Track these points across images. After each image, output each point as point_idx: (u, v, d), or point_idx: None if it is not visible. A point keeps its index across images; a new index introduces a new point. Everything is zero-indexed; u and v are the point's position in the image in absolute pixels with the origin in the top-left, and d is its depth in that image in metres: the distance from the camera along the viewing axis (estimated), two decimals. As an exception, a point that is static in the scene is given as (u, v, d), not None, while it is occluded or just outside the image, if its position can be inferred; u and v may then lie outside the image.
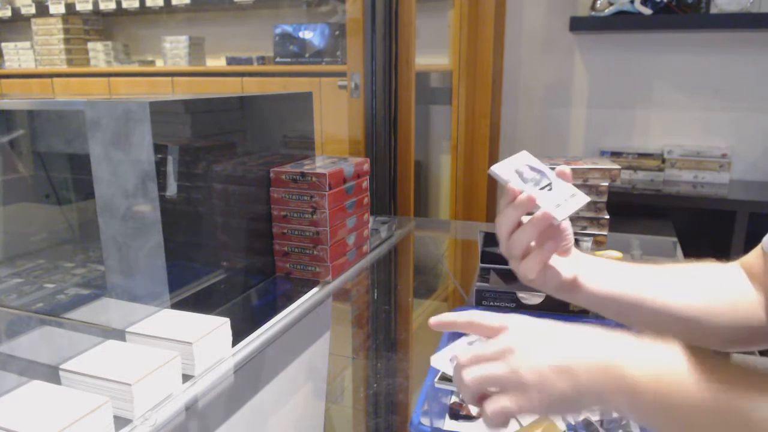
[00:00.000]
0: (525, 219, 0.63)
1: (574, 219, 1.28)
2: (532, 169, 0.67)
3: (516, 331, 0.51)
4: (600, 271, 0.68)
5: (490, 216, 2.31)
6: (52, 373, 0.66)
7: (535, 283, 0.65)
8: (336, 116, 1.77)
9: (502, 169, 0.67)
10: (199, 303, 0.90)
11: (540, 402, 0.46)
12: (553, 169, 0.67)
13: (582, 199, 0.66)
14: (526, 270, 0.63)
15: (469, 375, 0.48)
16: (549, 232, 0.63)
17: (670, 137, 2.24)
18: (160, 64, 3.11)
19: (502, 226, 0.64)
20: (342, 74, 1.69)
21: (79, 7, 3.11)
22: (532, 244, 0.63)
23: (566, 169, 0.66)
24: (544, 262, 0.63)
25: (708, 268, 0.70)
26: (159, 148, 0.81)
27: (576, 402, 0.46)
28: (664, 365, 0.44)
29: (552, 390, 0.45)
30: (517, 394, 0.46)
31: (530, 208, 0.62)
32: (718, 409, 0.41)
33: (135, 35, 3.29)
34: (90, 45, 3.17)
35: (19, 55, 3.33)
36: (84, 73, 3.06)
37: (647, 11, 2.03)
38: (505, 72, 2.35)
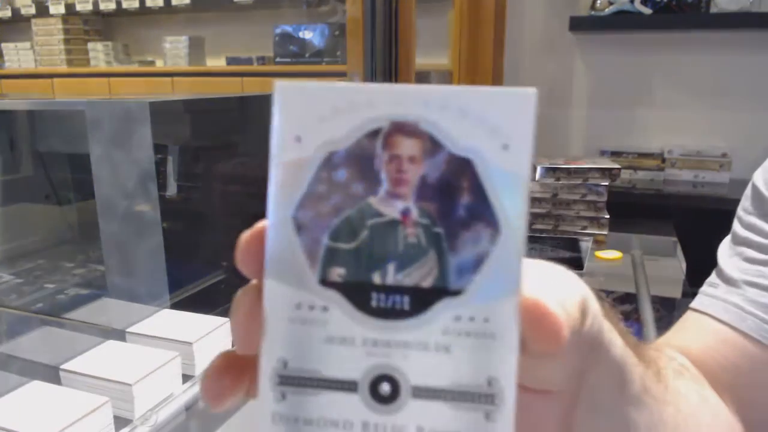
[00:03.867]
0: None
1: (575, 219, 1.28)
2: None
3: None
4: None
5: (490, 216, 2.30)
6: (52, 373, 0.66)
7: None
8: (336, 116, 1.77)
9: None
10: (199, 303, 0.90)
11: None
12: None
13: None
14: None
15: None
16: None
17: (670, 137, 2.24)
18: (160, 64, 3.11)
19: None
20: (342, 74, 1.69)
21: (79, 7, 3.11)
22: None
23: None
24: None
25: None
26: (159, 148, 0.81)
27: None
28: None
29: None
30: None
31: None
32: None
33: (135, 35, 3.29)
34: (90, 45, 3.17)
35: (19, 56, 3.33)
36: (84, 74, 3.06)
37: (647, 11, 2.03)
38: (505, 72, 2.36)
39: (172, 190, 0.84)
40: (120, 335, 0.75)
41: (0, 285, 1.06)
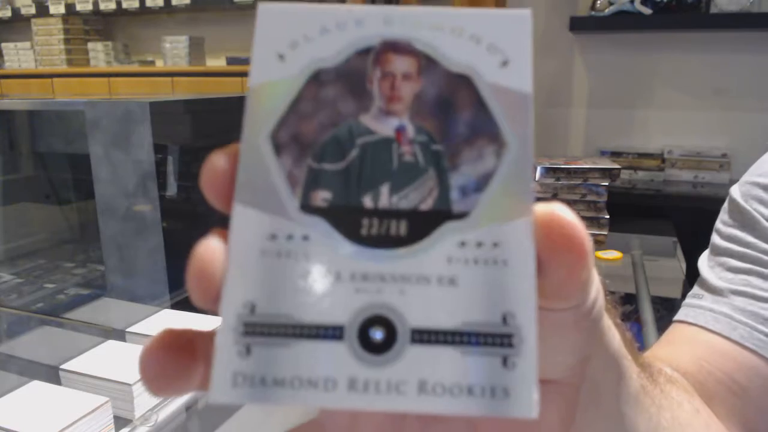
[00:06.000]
0: None
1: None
2: None
3: None
4: None
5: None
6: (52, 373, 0.66)
7: None
8: (336, 116, 1.77)
9: None
10: (199, 303, 0.90)
11: None
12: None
13: None
14: None
15: None
16: None
17: (670, 137, 2.24)
18: (160, 64, 3.11)
19: None
20: (342, 74, 1.69)
21: (79, 7, 3.11)
22: None
23: None
24: None
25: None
26: (159, 148, 0.81)
27: None
28: None
29: None
30: None
31: None
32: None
33: (135, 35, 3.29)
34: (90, 45, 3.17)
35: (19, 56, 3.33)
36: (84, 73, 3.06)
37: (647, 11, 2.03)
38: (505, 72, 2.35)
39: (172, 190, 0.84)
40: (120, 335, 0.75)
41: (0, 285, 1.06)
